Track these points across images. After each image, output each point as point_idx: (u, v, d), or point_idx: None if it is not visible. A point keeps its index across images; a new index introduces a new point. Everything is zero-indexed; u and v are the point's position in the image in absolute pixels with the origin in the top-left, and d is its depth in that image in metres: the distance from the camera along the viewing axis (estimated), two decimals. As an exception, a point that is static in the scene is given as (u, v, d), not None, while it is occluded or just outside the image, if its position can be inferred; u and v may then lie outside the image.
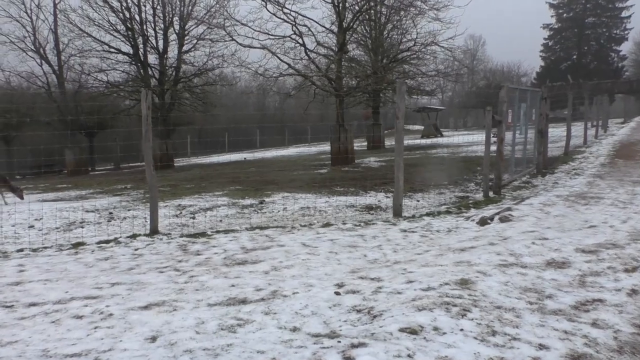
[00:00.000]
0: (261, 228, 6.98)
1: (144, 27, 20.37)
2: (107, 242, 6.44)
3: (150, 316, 3.87)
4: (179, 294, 4.39)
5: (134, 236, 6.65)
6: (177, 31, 20.84)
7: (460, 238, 6.16)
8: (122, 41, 20.73)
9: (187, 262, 5.40)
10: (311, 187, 11.57)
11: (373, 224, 7.10)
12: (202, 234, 6.71)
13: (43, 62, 23.53)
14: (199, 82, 22.68)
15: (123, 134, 30.70)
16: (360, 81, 16.82)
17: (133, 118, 24.65)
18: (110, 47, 20.59)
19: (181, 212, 8.80)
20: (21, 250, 6.18)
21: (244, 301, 4.16)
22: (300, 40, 15.53)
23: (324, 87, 16.07)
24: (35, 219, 8.69)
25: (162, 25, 20.52)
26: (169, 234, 6.79)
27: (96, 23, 19.93)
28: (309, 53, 15.57)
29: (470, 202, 8.80)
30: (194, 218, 8.18)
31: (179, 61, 21.00)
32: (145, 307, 4.06)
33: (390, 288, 4.31)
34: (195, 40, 20.81)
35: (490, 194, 9.26)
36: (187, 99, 22.79)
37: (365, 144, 26.80)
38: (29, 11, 23.16)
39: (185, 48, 21.04)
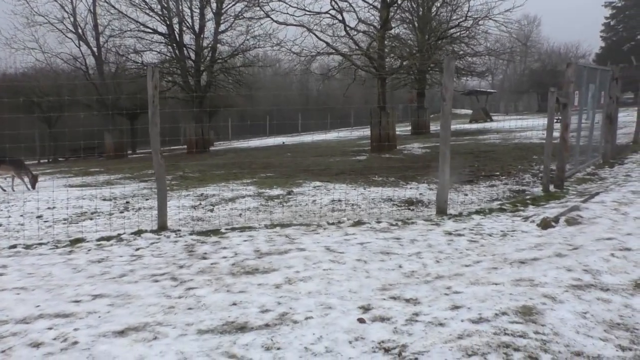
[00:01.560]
0: (282, 226, 6.10)
1: (180, 5, 19.74)
2: (109, 239, 5.73)
3: (122, 347, 3.07)
4: (167, 313, 3.57)
5: (139, 232, 5.91)
6: (213, 9, 20.08)
7: (519, 245, 5.07)
8: (158, 21, 20.18)
9: (190, 268, 4.59)
10: (346, 176, 10.61)
11: (412, 223, 6.09)
12: (215, 232, 5.89)
13: (82, 43, 23.38)
14: (237, 64, 21.94)
15: (166, 116, 30.55)
16: (404, 61, 15.57)
17: (174, 100, 24.28)
18: (145, 27, 20.09)
19: (201, 203, 8.04)
20: (14, 246, 5.55)
21: (243, 328, 3.30)
22: (339, 17, 14.44)
23: (364, 67, 14.95)
24: (48, 208, 8.16)
25: (198, 4, 19.83)
26: (179, 230, 6.01)
27: (133, 3, 19.47)
28: (349, 30, 14.46)
29: (528, 197, 7.62)
30: (212, 211, 7.39)
31: (215, 41, 20.25)
32: (121, 333, 3.26)
33: (429, 316, 3.35)
34: (232, 19, 20.02)
35: (551, 187, 8.04)
36: (224, 81, 22.10)
37: (410, 128, 25.53)
38: (68, -9, 22.99)
39: (221, 28, 20.31)
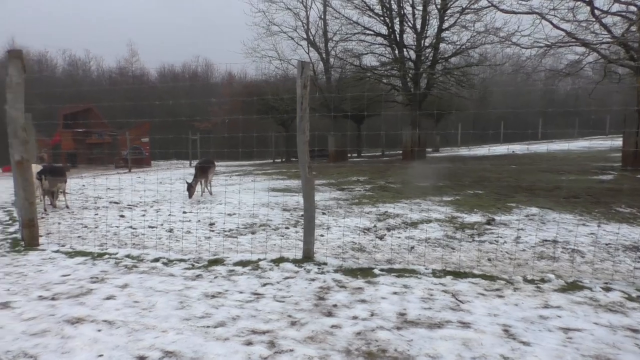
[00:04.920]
0: (456, 274, 4.44)
1: (401, 3, 18.73)
2: (246, 264, 4.93)
3: None
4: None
5: (279, 260, 4.97)
6: (437, 4, 18.53)
7: None
8: (379, 22, 19.58)
9: (301, 328, 3.39)
10: (578, 202, 8.09)
11: (670, 299, 3.77)
12: (365, 272, 4.58)
13: (312, 49, 24.44)
14: (462, 63, 19.95)
15: (389, 119, 30.32)
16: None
17: (394, 103, 23.65)
18: (368, 29, 19.69)
19: (375, 226, 6.79)
20: (157, 260, 5.18)
21: None
22: (586, -3, 11.41)
23: (612, 59, 11.59)
24: (229, 214, 7.96)
25: (421, 0, 18.49)
26: (324, 263, 4.88)
27: (356, 6, 19.29)
28: (597, 14, 11.34)
29: None
30: (382, 238, 6.07)
31: (437, 39, 18.69)
32: None
33: None
34: (458, 15, 18.14)
35: None
36: (446, 83, 20.33)
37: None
38: (303, 1, 24.27)
39: (445, 25, 18.61)
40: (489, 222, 6.69)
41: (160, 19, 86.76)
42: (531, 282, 4.20)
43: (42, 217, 8.17)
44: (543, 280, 4.22)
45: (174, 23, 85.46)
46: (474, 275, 4.39)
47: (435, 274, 4.47)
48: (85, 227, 7.24)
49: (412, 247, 5.55)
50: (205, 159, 11.09)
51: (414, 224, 6.81)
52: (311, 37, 24.28)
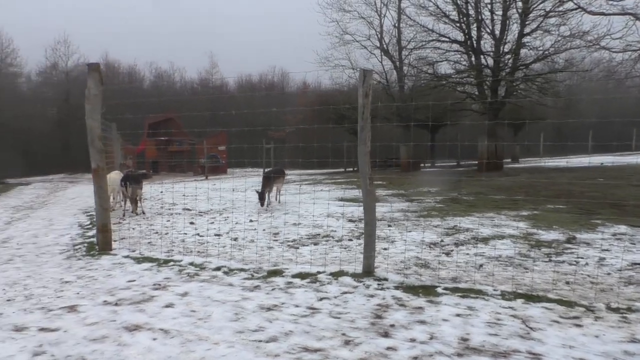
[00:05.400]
0: (528, 298, 4.07)
1: (479, 9, 18.02)
2: (304, 276, 4.83)
3: None
4: None
5: (339, 274, 4.83)
6: (519, 8, 17.61)
7: None
8: (455, 28, 18.98)
9: (354, 349, 3.23)
10: (676, 220, 7.29)
11: None
12: (427, 290, 4.32)
13: (385, 58, 24.17)
14: (544, 69, 18.82)
15: (465, 129, 29.38)
16: None
17: (469, 112, 22.86)
18: (444, 36, 19.15)
19: (442, 241, 6.47)
20: (218, 269, 5.21)
21: None
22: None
23: None
24: (294, 224, 7.93)
25: (500, 5, 17.72)
26: (385, 279, 4.67)
27: (432, 13, 18.84)
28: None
29: None
30: (448, 254, 5.75)
31: (518, 45, 17.76)
32: None
33: None
34: (541, 19, 17.13)
35: None
36: (526, 90, 19.26)
37: None
38: (377, 9, 24.12)
39: (526, 30, 17.65)
40: (569, 241, 6.16)
41: (239, 31, 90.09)
42: (616, 310, 3.76)
43: (119, 222, 8.57)
44: (630, 310, 3.77)
45: (252, 34, 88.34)
46: (549, 300, 4.01)
47: (504, 296, 4.14)
48: (156, 233, 7.50)
49: (481, 265, 5.20)
50: (274, 168, 11.18)
51: (484, 240, 6.42)
52: (385, 46, 24.08)
